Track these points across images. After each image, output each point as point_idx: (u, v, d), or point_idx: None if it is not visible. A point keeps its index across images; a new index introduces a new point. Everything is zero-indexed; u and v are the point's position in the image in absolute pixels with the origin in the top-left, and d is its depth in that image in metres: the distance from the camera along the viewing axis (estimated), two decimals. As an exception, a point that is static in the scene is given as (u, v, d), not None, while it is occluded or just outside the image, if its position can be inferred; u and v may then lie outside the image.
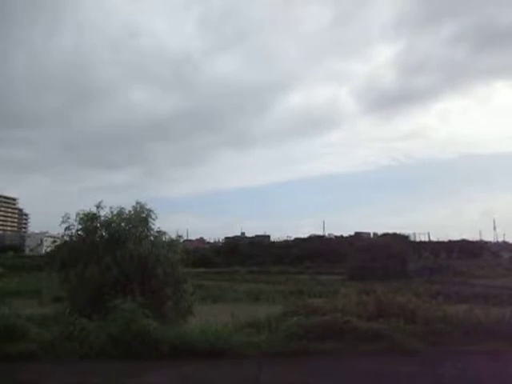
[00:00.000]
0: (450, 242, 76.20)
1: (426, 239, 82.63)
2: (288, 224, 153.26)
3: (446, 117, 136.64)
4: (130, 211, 11.93)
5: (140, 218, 11.85)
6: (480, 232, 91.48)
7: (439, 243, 76.72)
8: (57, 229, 12.20)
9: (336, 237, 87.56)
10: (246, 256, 70.76)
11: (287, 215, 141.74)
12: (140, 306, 8.65)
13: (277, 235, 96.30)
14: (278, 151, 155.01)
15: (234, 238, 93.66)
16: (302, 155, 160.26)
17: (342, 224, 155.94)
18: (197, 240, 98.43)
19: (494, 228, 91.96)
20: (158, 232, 12.07)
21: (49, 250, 13.54)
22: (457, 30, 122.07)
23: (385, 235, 68.72)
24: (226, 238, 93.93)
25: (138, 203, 12.05)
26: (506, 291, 24.56)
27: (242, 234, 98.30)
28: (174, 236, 12.50)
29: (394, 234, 67.89)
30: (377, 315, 9.69)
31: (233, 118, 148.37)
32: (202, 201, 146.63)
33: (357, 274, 38.23)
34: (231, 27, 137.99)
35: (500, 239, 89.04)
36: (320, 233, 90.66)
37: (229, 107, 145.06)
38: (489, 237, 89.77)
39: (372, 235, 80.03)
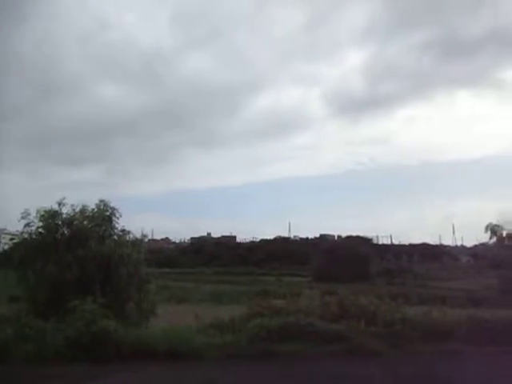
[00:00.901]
0: (412, 246, 78.03)
1: (389, 242, 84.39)
2: (254, 225, 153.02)
3: (410, 124, 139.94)
4: (93, 209, 11.64)
5: (103, 216, 11.57)
6: (440, 236, 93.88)
7: (401, 246, 78.38)
8: (16, 226, 11.77)
9: (301, 239, 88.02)
10: (212, 256, 70.33)
11: (254, 216, 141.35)
12: (101, 306, 8.45)
13: (243, 236, 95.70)
14: (247, 152, 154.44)
15: (200, 238, 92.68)
16: (270, 157, 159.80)
17: (307, 226, 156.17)
18: (162, 240, 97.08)
19: (453, 232, 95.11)
20: (122, 231, 11.82)
21: (6, 247, 13.05)
22: (423, 39, 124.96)
23: (349, 238, 69.83)
24: (192, 239, 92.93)
25: (101, 201, 11.76)
26: (464, 293, 25.49)
27: (208, 234, 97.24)
28: (138, 235, 12.28)
29: (358, 237, 69.08)
30: (339, 317, 9.81)
31: (202, 117, 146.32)
32: (169, 200, 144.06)
33: (321, 276, 38.70)
34: (204, 25, 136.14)
35: (458, 243, 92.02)
36: (286, 234, 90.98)
37: (199, 106, 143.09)
38: (448, 241, 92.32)
39: (336, 238, 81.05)
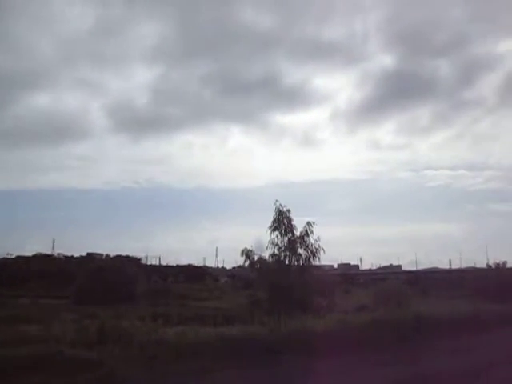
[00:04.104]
0: (178, 267, 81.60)
1: (157, 263, 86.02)
2: (10, 240, 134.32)
3: (189, 149, 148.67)
4: None
5: None
6: (204, 258, 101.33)
7: (168, 267, 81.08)
8: None
9: (66, 257, 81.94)
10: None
11: (10, 230, 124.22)
12: None
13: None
14: (14, 155, 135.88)
15: None
16: (40, 164, 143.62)
17: (74, 244, 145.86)
18: None
19: (216, 255, 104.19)
20: None
21: None
22: (206, 71, 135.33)
23: (117, 257, 68.28)
24: None
25: None
26: (219, 312, 27.85)
27: None
28: None
29: (127, 257, 68.24)
30: (97, 342, 9.54)
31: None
32: None
33: (84, 298, 36.49)
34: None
35: (220, 265, 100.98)
36: (49, 252, 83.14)
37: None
38: (211, 263, 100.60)
39: (105, 257, 78.19)
